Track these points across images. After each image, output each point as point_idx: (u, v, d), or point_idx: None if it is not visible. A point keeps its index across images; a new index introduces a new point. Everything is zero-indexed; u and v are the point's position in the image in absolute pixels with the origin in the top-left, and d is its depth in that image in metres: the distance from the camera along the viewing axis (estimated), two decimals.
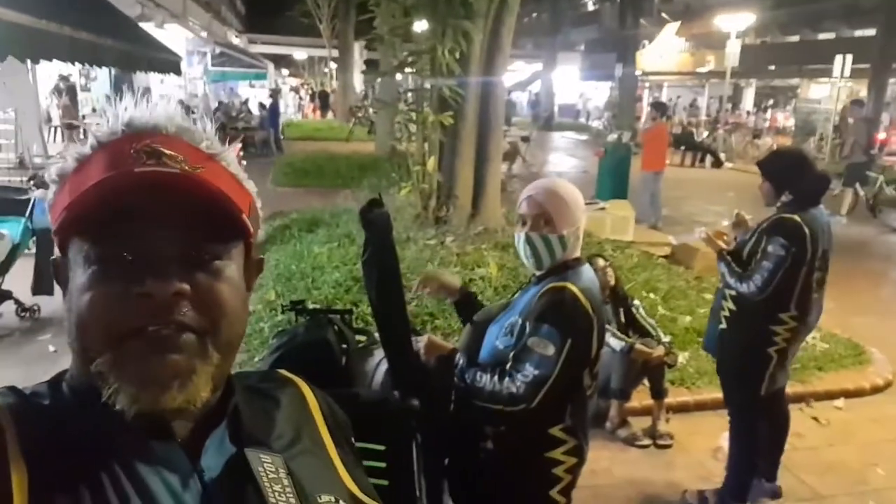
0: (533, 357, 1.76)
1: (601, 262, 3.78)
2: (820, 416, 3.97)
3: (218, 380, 0.66)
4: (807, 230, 2.67)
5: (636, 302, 3.93)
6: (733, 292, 2.81)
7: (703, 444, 3.60)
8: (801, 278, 2.71)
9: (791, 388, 3.64)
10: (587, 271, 1.92)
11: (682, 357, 4.21)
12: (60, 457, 0.60)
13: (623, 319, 3.77)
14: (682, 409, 3.95)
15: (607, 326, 3.23)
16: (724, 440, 3.19)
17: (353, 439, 0.86)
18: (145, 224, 0.61)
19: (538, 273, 1.92)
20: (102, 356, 0.60)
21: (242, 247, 0.70)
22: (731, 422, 2.98)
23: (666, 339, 3.84)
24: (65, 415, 0.64)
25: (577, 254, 1.93)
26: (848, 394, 4.23)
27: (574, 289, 1.80)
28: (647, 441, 3.62)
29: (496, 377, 1.81)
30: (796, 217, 2.69)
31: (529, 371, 1.76)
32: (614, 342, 3.54)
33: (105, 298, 0.61)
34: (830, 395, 4.18)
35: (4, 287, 4.93)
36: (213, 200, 0.63)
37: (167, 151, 0.63)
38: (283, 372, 0.86)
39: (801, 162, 2.85)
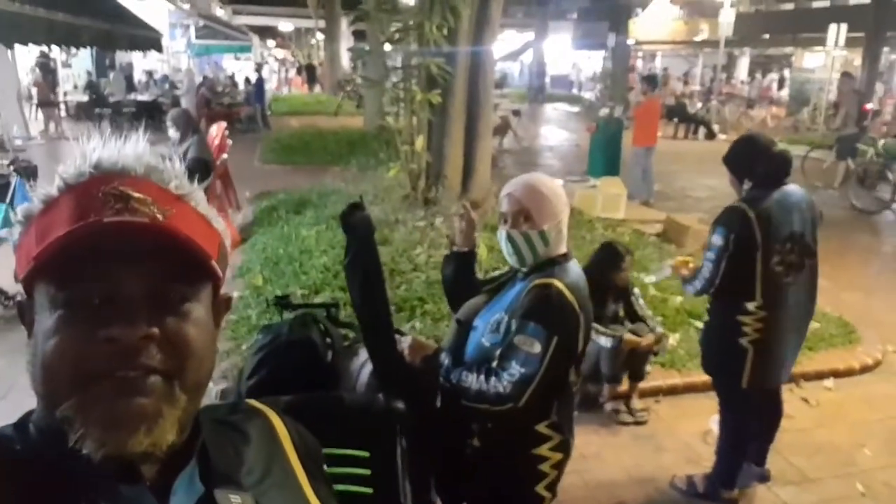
0: (519, 355, 1.75)
1: (629, 259, 3.68)
2: (809, 396, 3.98)
3: (185, 422, 0.65)
4: (751, 214, 2.56)
5: (636, 291, 3.90)
6: None
7: (693, 427, 3.60)
8: (758, 265, 2.59)
9: None
10: (574, 267, 1.90)
11: (672, 339, 4.20)
12: (31, 501, 0.60)
13: (621, 311, 3.74)
14: (672, 391, 3.94)
15: (594, 325, 3.21)
16: (713, 423, 3.20)
17: (325, 466, 0.85)
18: (112, 268, 0.61)
19: (523, 270, 1.89)
20: (68, 401, 0.60)
21: (211, 286, 0.69)
22: (720, 411, 2.97)
23: (659, 329, 3.79)
24: (33, 457, 0.64)
25: (563, 249, 1.90)
26: (837, 374, 4.23)
27: (560, 285, 1.77)
28: (629, 418, 3.65)
29: (482, 376, 1.79)
30: (739, 204, 2.63)
31: (516, 369, 1.75)
32: (603, 340, 3.52)
33: (71, 343, 0.60)
34: (820, 375, 4.19)
35: None
36: (182, 249, 0.63)
37: (135, 195, 0.63)
38: (252, 402, 0.86)
39: (751, 147, 2.73)
